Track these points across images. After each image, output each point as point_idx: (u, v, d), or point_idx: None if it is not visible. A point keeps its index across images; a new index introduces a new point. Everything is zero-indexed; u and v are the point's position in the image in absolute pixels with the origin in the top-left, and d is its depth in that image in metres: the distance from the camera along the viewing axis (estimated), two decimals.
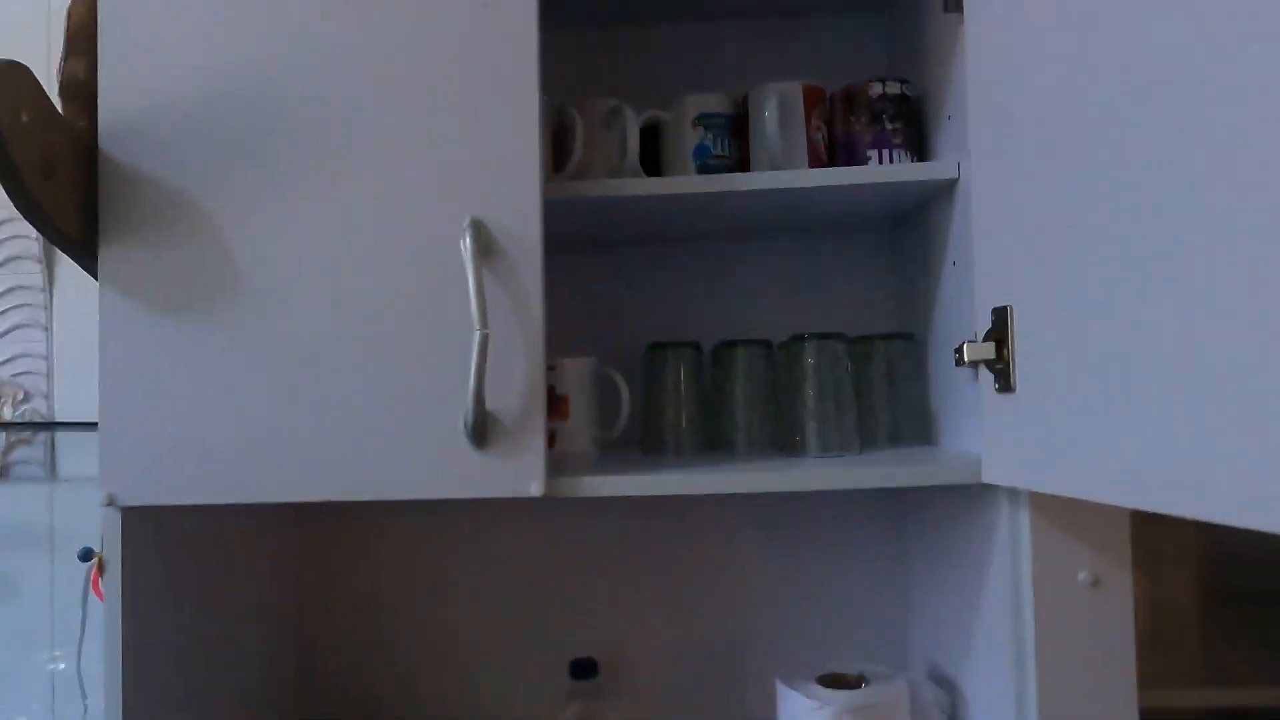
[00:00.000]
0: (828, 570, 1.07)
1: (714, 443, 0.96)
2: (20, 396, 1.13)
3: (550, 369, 0.91)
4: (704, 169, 0.91)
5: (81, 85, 0.75)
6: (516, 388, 0.73)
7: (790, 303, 1.09)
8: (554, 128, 0.93)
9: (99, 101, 0.75)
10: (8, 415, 1.12)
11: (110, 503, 0.74)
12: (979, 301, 0.72)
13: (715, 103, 0.92)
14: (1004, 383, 0.69)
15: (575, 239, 1.06)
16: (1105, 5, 0.54)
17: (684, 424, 0.95)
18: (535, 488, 0.73)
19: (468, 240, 0.71)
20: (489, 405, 0.73)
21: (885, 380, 0.95)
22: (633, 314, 1.10)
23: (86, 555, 0.83)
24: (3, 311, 1.14)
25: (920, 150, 0.92)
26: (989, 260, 0.71)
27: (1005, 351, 0.69)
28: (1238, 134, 0.44)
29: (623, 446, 0.99)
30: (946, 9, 0.79)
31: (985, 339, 0.71)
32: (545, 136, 0.89)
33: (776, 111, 0.87)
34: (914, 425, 0.95)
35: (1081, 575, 0.70)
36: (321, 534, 1.11)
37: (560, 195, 0.84)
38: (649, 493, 0.77)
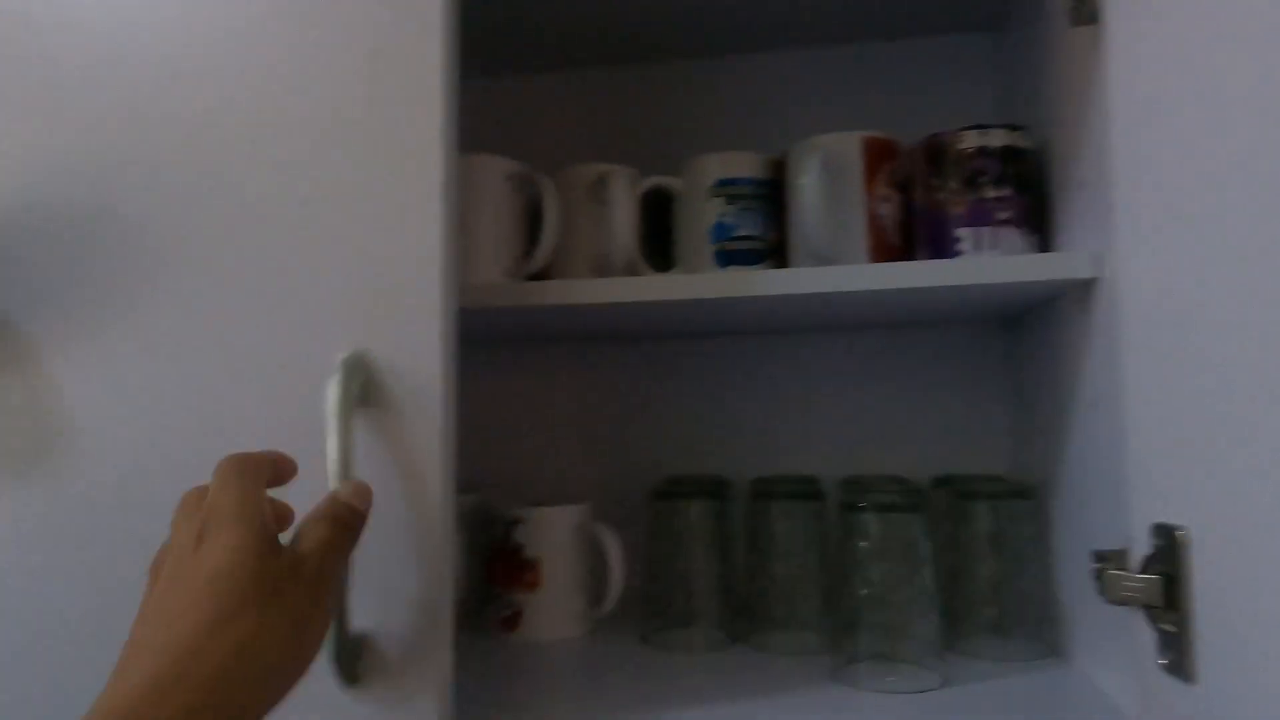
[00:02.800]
0: None
1: (743, 627, 0.69)
2: None
3: (516, 523, 0.68)
4: (723, 255, 0.66)
5: None
6: (409, 596, 0.50)
7: (853, 424, 0.81)
8: (529, 203, 0.70)
9: None
10: None
11: None
12: (1135, 507, 0.43)
13: (741, 164, 0.67)
14: (1176, 659, 0.39)
15: (549, 335, 0.82)
16: None
17: (698, 601, 0.69)
18: None
19: (334, 387, 0.49)
20: (365, 624, 0.50)
21: (991, 551, 0.66)
22: (635, 435, 0.85)
23: None
24: None
25: (1040, 227, 0.63)
26: (1150, 435, 0.42)
27: (1178, 598, 0.40)
28: None
29: (619, 626, 0.74)
30: (1078, 20, 0.51)
31: (1145, 569, 0.42)
32: (512, 218, 0.67)
33: (818, 175, 0.60)
34: (1031, 621, 0.65)
35: None
36: None
37: (510, 301, 0.61)
38: None
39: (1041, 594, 0.65)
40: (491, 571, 0.71)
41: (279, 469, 0.46)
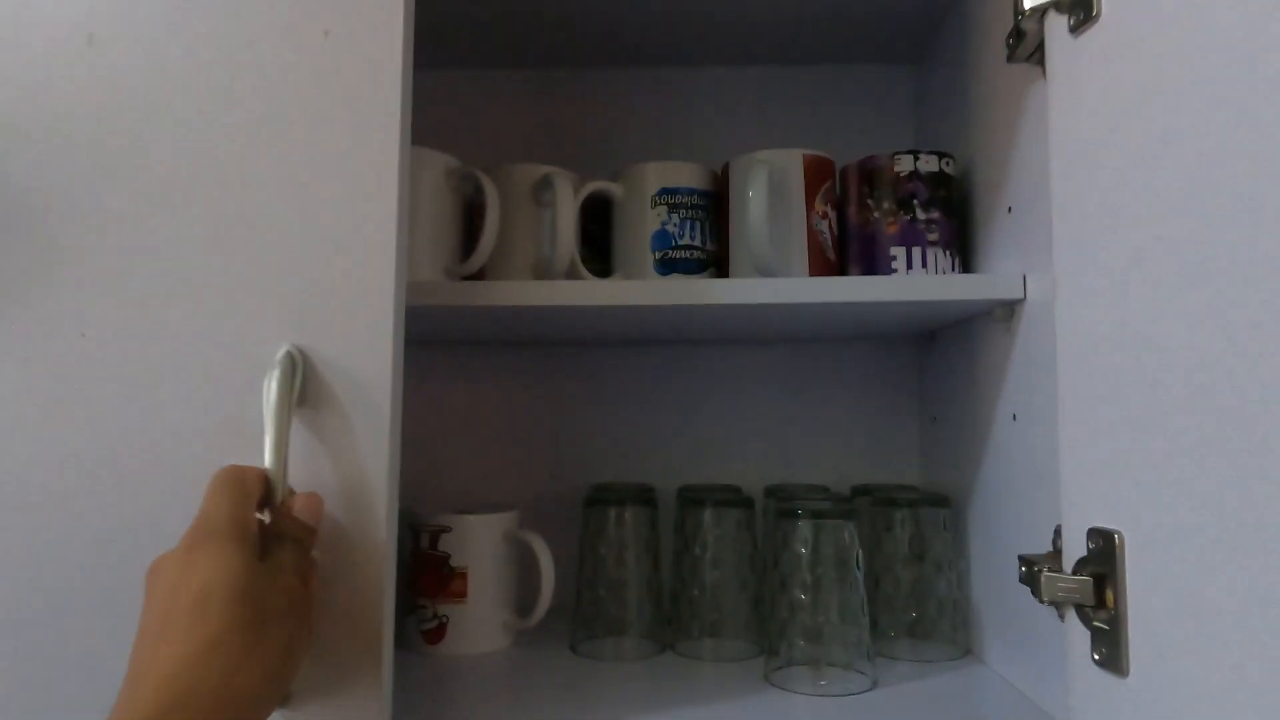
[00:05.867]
0: None
1: (672, 635, 0.69)
2: None
3: (442, 531, 0.65)
4: (665, 263, 0.66)
5: None
6: (347, 610, 0.47)
7: (777, 432, 0.83)
8: (466, 202, 0.68)
9: None
10: None
11: None
12: (1068, 512, 0.46)
13: (683, 174, 0.68)
14: (1109, 654, 0.42)
15: (483, 338, 0.80)
16: None
17: (628, 609, 0.68)
18: None
19: (273, 383, 0.46)
20: None
21: (909, 560, 0.69)
22: (558, 442, 0.84)
23: None
24: None
25: (962, 249, 0.67)
26: (1084, 446, 0.45)
27: (1111, 596, 0.43)
28: None
29: (547, 637, 0.72)
30: (1012, 58, 0.55)
31: (1078, 570, 0.45)
32: (449, 215, 0.65)
33: (765, 190, 0.62)
34: (947, 623, 0.68)
35: None
36: None
37: (448, 301, 0.59)
38: None
39: (957, 598, 0.68)
40: (415, 581, 0.68)
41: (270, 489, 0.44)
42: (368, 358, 0.48)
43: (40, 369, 0.48)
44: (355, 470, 0.48)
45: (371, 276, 0.48)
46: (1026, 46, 0.53)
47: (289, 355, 0.47)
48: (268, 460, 0.45)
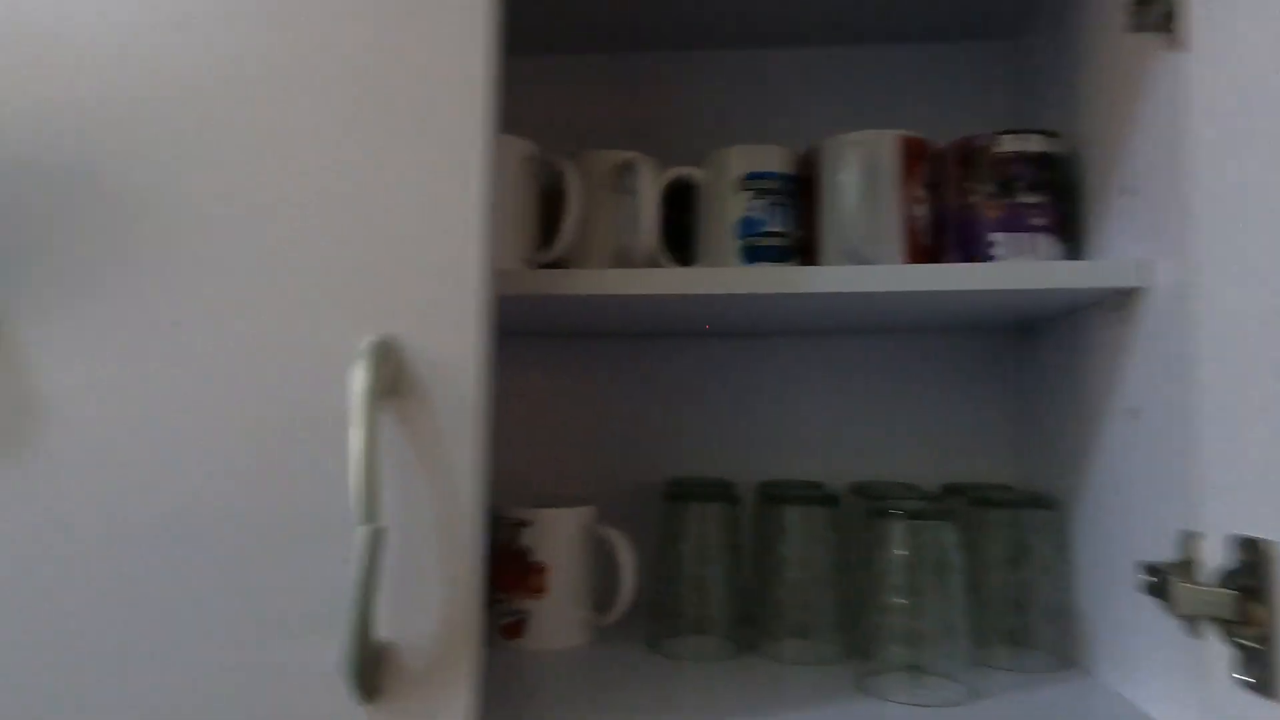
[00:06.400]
0: None
1: (753, 635, 0.67)
2: None
3: (522, 525, 0.64)
4: (750, 251, 0.64)
5: None
6: (434, 604, 0.46)
7: (860, 427, 0.80)
8: (544, 190, 0.67)
9: None
10: None
11: None
12: (1209, 518, 0.43)
13: (770, 158, 0.65)
14: (1259, 676, 0.39)
15: (560, 329, 0.79)
16: None
17: (710, 608, 0.66)
18: None
19: (360, 374, 0.45)
20: (388, 632, 0.46)
21: (1007, 564, 0.65)
22: (635, 435, 0.82)
23: None
24: None
25: (1069, 233, 0.63)
26: (1231, 445, 0.42)
27: (1262, 613, 0.39)
28: None
29: (625, 633, 0.71)
30: (1134, 27, 0.51)
31: (1220, 582, 0.41)
32: (528, 203, 0.64)
33: (858, 173, 0.59)
34: (1050, 632, 0.64)
35: None
36: None
37: (529, 290, 0.57)
38: None
39: (1061, 604, 0.64)
40: (495, 575, 0.67)
41: None
42: (456, 347, 0.47)
43: (137, 358, 0.48)
44: (443, 461, 0.46)
45: (459, 265, 0.47)
46: (1151, 13, 0.49)
47: (377, 345, 0.46)
48: (354, 450, 0.44)
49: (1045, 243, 0.60)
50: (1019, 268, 0.55)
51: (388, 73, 0.48)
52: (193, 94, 0.49)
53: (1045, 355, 0.72)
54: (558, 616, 0.66)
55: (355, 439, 0.44)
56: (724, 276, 0.57)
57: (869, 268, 0.56)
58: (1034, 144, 0.61)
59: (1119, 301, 0.57)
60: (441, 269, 0.47)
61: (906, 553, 0.57)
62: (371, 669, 0.45)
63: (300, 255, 0.48)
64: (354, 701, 0.46)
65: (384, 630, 0.46)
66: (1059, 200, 0.61)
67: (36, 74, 0.51)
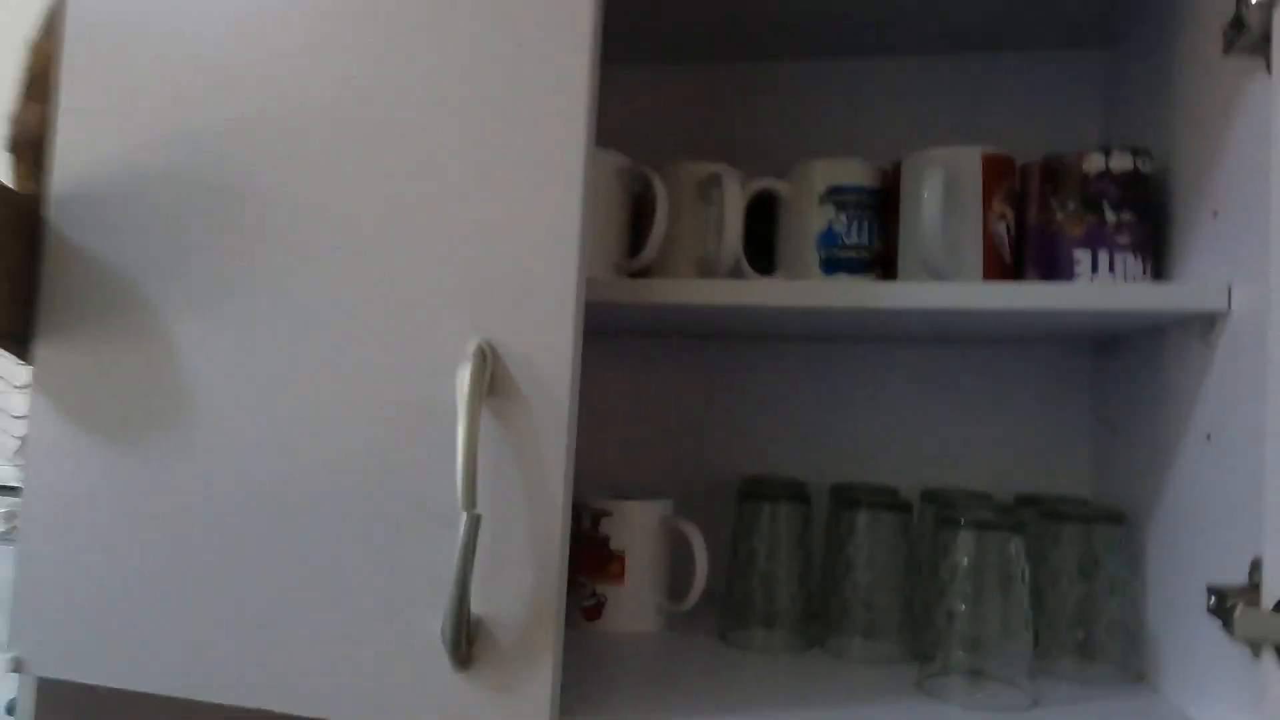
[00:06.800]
0: None
1: (820, 631, 0.70)
2: None
3: (603, 515, 0.69)
4: (830, 263, 0.66)
5: (34, 140, 0.60)
6: (523, 585, 0.51)
7: (935, 434, 0.81)
8: (633, 199, 0.70)
9: (54, 164, 0.59)
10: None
11: (17, 668, 0.58)
12: (1271, 545, 0.43)
13: (853, 171, 0.67)
14: None
15: (642, 329, 0.83)
16: None
17: (779, 603, 0.69)
18: None
19: (467, 374, 0.50)
20: (479, 610, 0.51)
21: (1077, 576, 0.66)
22: (715, 429, 0.86)
23: (10, 709, 0.68)
24: None
25: (1155, 254, 0.63)
26: None
27: None
28: None
29: (696, 622, 0.74)
30: (1230, 50, 0.51)
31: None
32: (618, 213, 0.67)
33: (940, 190, 0.60)
34: (1117, 647, 0.65)
35: None
36: None
37: (619, 298, 0.61)
38: None
39: (1129, 620, 0.65)
40: (576, 560, 0.72)
41: None
42: (550, 352, 0.51)
43: (276, 353, 0.54)
44: (535, 456, 0.51)
45: (557, 275, 0.51)
46: (1249, 39, 0.49)
47: (480, 348, 0.51)
48: (460, 446, 0.49)
49: (1129, 261, 0.61)
50: (1103, 289, 0.55)
51: (501, 91, 0.53)
52: (331, 118, 0.55)
53: (1123, 371, 0.72)
54: (634, 602, 0.70)
55: (461, 434, 0.49)
56: (804, 289, 0.59)
57: (943, 284, 0.58)
58: (1121, 162, 0.61)
59: (1201, 324, 0.57)
60: (540, 278, 0.51)
61: (967, 561, 0.59)
62: (466, 641, 0.50)
63: (417, 263, 0.53)
64: (450, 669, 0.51)
65: (477, 607, 0.51)
66: (1145, 219, 0.61)
67: (204, 95, 0.57)
